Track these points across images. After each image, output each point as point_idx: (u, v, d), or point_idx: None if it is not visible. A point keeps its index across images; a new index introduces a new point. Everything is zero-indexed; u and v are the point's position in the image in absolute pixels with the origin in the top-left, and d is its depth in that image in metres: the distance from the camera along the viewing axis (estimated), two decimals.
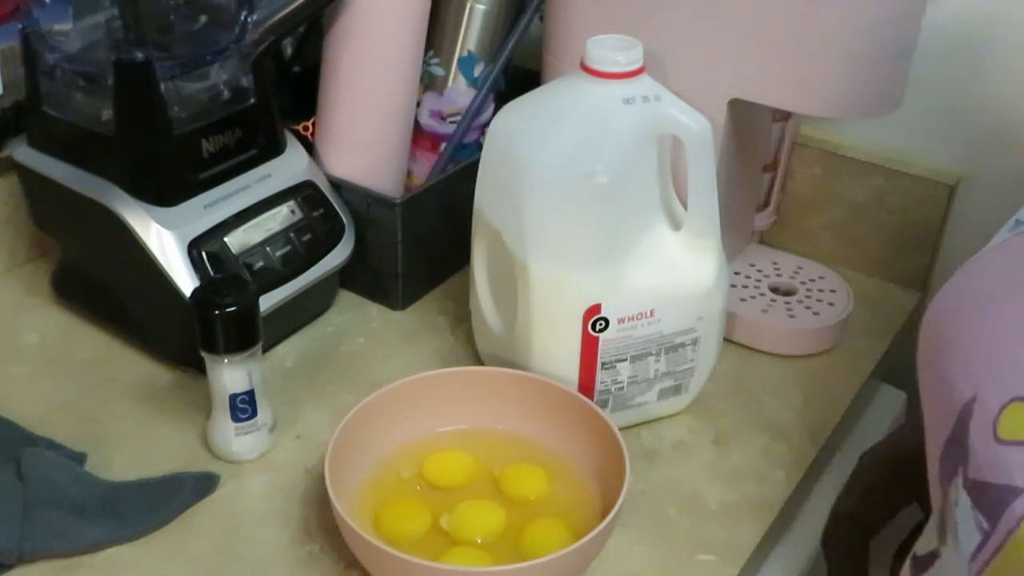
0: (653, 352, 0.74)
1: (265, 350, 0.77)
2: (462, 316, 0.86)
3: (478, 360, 0.83)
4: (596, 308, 0.71)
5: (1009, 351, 0.51)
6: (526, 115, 0.73)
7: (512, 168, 0.71)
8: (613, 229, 0.71)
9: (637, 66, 0.69)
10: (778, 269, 0.94)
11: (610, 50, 0.69)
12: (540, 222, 0.71)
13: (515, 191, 0.71)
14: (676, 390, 0.77)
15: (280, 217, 0.82)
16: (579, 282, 0.71)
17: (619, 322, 0.72)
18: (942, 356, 0.54)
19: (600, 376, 0.74)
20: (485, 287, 0.80)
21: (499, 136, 0.73)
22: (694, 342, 0.75)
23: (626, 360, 0.74)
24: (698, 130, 0.69)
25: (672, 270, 0.73)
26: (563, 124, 0.70)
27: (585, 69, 0.69)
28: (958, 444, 0.51)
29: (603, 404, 0.74)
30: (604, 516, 0.61)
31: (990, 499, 0.48)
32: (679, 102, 0.70)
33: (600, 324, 0.72)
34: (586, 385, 0.74)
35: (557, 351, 0.74)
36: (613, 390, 0.75)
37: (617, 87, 0.69)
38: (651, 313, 0.72)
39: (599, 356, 0.73)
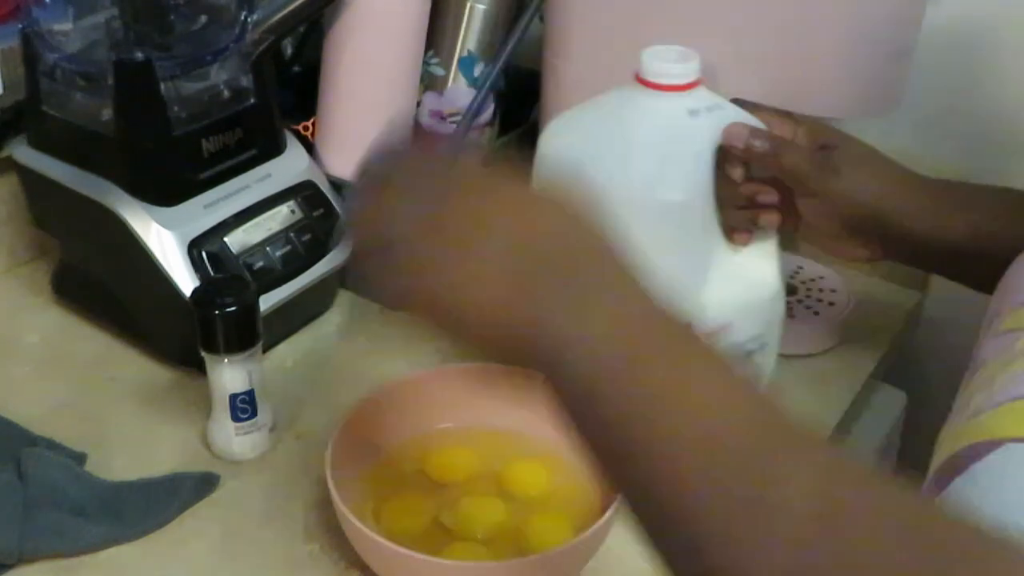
0: None
1: (265, 350, 0.77)
2: None
3: None
4: None
5: None
6: (586, 134, 0.69)
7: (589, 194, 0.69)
8: (692, 247, 0.69)
9: (696, 76, 0.67)
10: None
11: (670, 62, 0.66)
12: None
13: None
14: None
15: (280, 217, 0.82)
16: None
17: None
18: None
19: None
20: None
21: (558, 159, 0.69)
22: (762, 348, 0.74)
23: None
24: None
25: (741, 278, 0.71)
26: (636, 144, 0.67)
27: (643, 82, 0.67)
28: None
29: None
30: (604, 513, 0.61)
31: None
32: (737, 108, 0.68)
33: None
34: None
35: None
36: None
37: (679, 100, 0.67)
38: (726, 327, 0.70)
39: None
